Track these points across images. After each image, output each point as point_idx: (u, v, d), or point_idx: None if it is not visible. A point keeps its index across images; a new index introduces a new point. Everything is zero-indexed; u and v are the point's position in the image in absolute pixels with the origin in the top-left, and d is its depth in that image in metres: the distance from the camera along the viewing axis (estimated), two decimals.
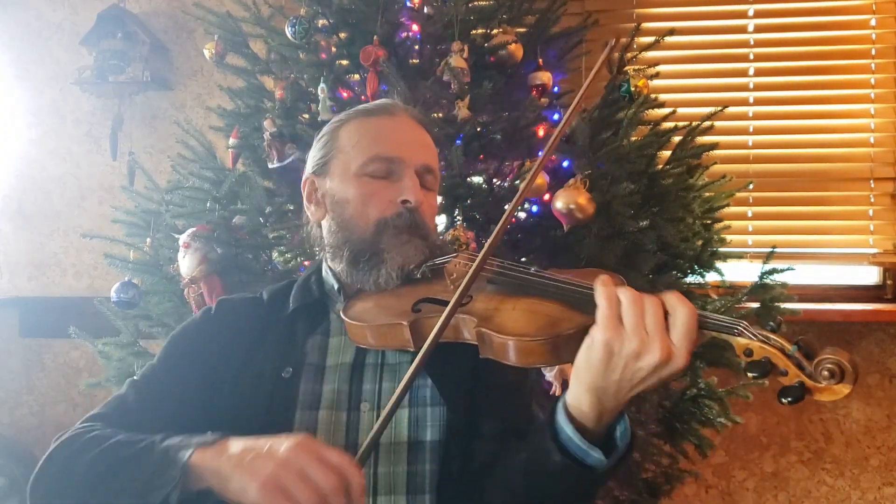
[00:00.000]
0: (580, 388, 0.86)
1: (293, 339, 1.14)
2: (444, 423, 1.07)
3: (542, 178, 1.68)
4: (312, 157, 1.23)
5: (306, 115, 1.83)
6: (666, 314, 0.82)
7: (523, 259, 1.79)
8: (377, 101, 1.22)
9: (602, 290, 0.85)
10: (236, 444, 0.89)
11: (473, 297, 1.01)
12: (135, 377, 1.15)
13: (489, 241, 0.97)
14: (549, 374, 1.54)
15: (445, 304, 0.94)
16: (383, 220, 1.12)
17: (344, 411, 1.07)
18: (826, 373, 0.76)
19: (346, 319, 1.08)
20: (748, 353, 0.81)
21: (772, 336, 0.81)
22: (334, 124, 1.21)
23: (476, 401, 1.09)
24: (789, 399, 0.77)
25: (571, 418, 0.88)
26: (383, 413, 0.89)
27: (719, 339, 0.84)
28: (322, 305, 1.19)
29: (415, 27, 1.81)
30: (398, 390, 0.89)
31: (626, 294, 0.83)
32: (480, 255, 0.96)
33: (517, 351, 0.90)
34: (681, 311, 0.81)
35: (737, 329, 0.82)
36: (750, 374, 0.80)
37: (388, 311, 1.06)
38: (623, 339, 0.81)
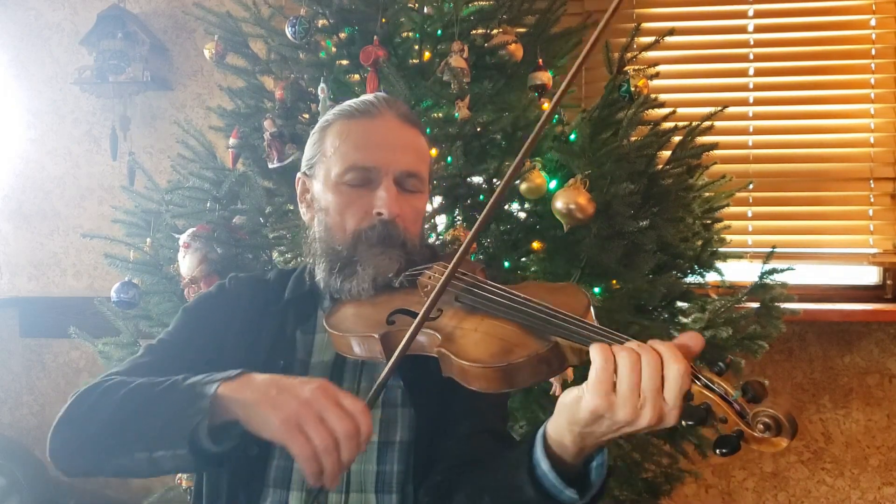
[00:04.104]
0: (563, 425, 0.82)
1: (284, 331, 1.17)
2: (413, 424, 1.08)
3: (542, 178, 1.68)
4: (304, 155, 1.23)
5: (306, 115, 1.83)
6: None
7: (523, 259, 1.79)
8: (362, 99, 1.19)
9: (598, 350, 0.78)
10: (260, 379, 0.92)
11: (443, 312, 1.01)
12: (151, 342, 1.20)
13: (457, 256, 0.95)
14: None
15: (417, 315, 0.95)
16: (359, 231, 1.12)
17: None
18: (761, 426, 0.72)
19: (327, 328, 1.09)
20: (689, 396, 0.75)
21: (716, 380, 0.76)
22: (322, 124, 1.21)
23: (447, 402, 1.08)
24: (724, 451, 0.73)
25: (549, 451, 0.85)
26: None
27: None
28: (312, 300, 1.21)
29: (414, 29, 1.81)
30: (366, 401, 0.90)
31: (624, 358, 0.76)
32: (448, 269, 0.95)
33: (472, 376, 0.90)
34: (674, 371, 0.74)
35: None
36: (684, 422, 0.74)
37: (365, 321, 1.06)
38: (614, 408, 0.75)
